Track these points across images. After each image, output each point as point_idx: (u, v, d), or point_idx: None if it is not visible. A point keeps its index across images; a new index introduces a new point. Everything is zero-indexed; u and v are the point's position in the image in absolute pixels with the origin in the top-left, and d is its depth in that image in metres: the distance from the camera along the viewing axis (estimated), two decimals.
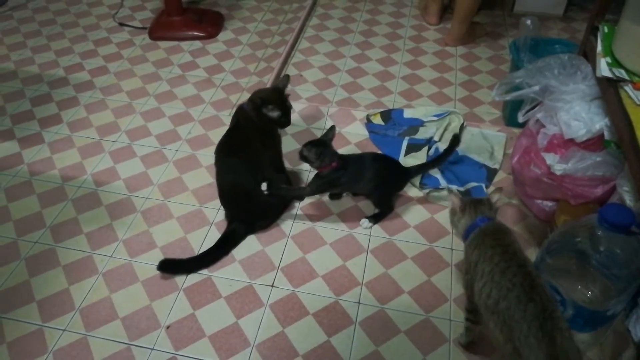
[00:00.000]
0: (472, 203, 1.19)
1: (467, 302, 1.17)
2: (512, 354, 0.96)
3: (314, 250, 1.48)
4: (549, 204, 1.46)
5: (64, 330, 1.29)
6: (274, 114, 1.45)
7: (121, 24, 2.48)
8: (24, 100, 2.01)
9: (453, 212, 1.22)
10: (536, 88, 1.31)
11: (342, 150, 1.79)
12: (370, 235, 1.52)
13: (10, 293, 1.36)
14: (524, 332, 0.94)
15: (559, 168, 1.30)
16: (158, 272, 1.41)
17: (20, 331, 1.29)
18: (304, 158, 1.44)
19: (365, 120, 1.89)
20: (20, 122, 1.90)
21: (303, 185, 1.67)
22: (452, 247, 1.49)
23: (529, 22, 1.71)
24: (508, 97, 1.36)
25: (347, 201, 1.62)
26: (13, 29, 2.43)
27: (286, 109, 1.46)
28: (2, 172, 1.70)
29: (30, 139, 1.83)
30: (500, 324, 0.99)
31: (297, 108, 1.96)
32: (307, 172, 1.71)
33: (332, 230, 1.53)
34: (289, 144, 1.81)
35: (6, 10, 2.57)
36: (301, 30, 2.44)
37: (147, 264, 1.43)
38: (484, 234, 1.13)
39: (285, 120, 1.47)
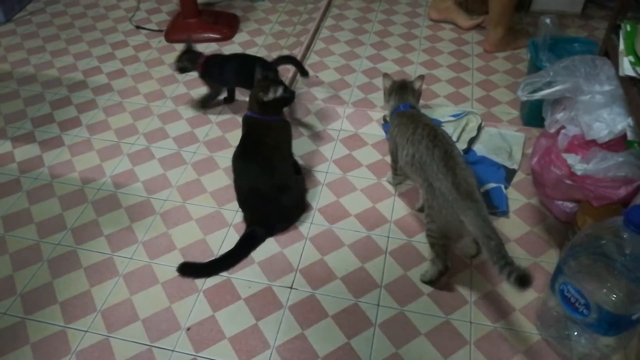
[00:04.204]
0: (399, 88, 1.55)
1: (391, 161, 1.59)
2: (428, 187, 1.29)
3: (332, 252, 1.48)
4: (570, 205, 1.44)
5: (86, 331, 1.31)
6: (278, 93, 1.49)
7: (137, 27, 2.50)
8: (43, 103, 2.03)
9: (386, 93, 1.59)
10: (567, 85, 1.30)
11: (358, 152, 1.80)
12: (388, 237, 1.52)
13: (33, 294, 1.39)
14: (434, 171, 1.27)
15: (580, 168, 1.28)
16: (177, 274, 1.42)
17: (43, 332, 1.30)
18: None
19: (382, 121, 1.89)
20: (40, 125, 1.93)
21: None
22: None
23: (548, 20, 1.70)
24: (536, 97, 1.35)
25: (365, 202, 1.62)
26: (32, 33, 2.47)
27: (283, 84, 1.53)
28: (24, 175, 1.73)
29: (51, 142, 1.86)
30: (417, 171, 1.34)
31: (313, 109, 1.96)
32: (325, 173, 1.71)
33: (350, 232, 1.53)
34: (306, 145, 1.81)
35: (25, 15, 2.61)
36: (316, 31, 2.44)
37: (167, 266, 1.44)
38: (402, 115, 1.49)
39: (290, 94, 1.54)
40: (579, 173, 1.29)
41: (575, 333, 1.19)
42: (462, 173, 1.25)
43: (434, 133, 1.35)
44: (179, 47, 2.32)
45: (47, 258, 1.47)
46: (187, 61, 1.88)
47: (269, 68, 1.82)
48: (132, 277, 1.43)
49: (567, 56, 1.38)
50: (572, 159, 1.31)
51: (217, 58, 1.93)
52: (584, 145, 1.31)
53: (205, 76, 1.90)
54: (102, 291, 1.39)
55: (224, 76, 1.88)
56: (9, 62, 2.26)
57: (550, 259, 1.45)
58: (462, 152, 1.50)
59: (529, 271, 1.06)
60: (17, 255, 1.48)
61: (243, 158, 1.47)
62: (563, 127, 1.37)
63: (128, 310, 1.35)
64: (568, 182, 1.32)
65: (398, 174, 1.61)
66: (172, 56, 2.28)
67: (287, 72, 2.13)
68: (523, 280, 1.05)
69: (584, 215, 1.36)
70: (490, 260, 1.13)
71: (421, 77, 1.57)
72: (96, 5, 2.70)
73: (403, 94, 1.54)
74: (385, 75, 1.60)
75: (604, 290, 1.06)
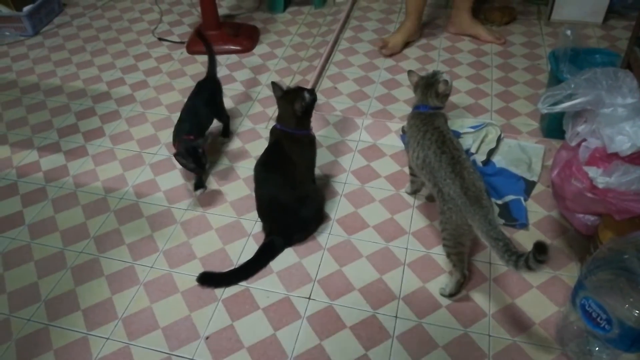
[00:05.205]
0: (423, 87, 1.52)
1: (409, 161, 1.53)
2: (438, 193, 1.32)
3: (350, 263, 1.48)
4: (591, 218, 1.42)
5: (107, 338, 1.33)
6: (307, 98, 1.50)
7: (160, 39, 2.55)
8: (69, 114, 2.08)
9: (413, 87, 1.57)
10: (589, 98, 1.29)
11: (376, 163, 1.80)
12: (407, 248, 1.52)
13: (57, 301, 1.42)
14: (442, 176, 1.30)
15: (602, 181, 1.26)
16: (197, 283, 1.44)
17: (66, 339, 1.33)
18: None
19: (401, 132, 1.89)
20: (66, 135, 1.98)
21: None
22: (490, 261, 1.47)
23: (569, 32, 1.69)
24: (557, 109, 1.34)
25: (383, 213, 1.62)
26: (59, 45, 2.54)
27: (301, 88, 1.54)
28: (49, 184, 1.77)
29: (75, 151, 1.90)
30: (427, 175, 1.37)
31: (332, 120, 1.97)
32: (343, 184, 1.72)
33: (368, 243, 1.53)
34: (325, 156, 1.83)
35: (52, 28, 2.68)
36: (335, 43, 2.46)
37: (187, 275, 1.46)
38: (417, 116, 1.49)
39: (314, 94, 1.54)
40: (600, 186, 1.27)
41: (597, 349, 1.17)
42: (469, 177, 1.28)
43: (442, 139, 1.37)
44: (201, 58, 2.38)
45: (70, 266, 1.51)
46: (202, 155, 1.60)
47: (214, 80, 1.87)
48: (152, 285, 1.45)
49: (589, 68, 1.37)
50: (593, 172, 1.29)
51: (187, 115, 1.73)
52: (606, 158, 1.29)
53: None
54: (123, 299, 1.42)
55: (202, 117, 1.76)
56: (37, 74, 2.33)
57: (570, 272, 1.43)
58: (474, 160, 1.68)
59: (540, 241, 1.06)
60: (42, 263, 1.52)
61: (266, 168, 1.49)
62: (584, 140, 1.36)
63: (148, 318, 1.37)
64: (589, 195, 1.30)
65: (413, 180, 1.62)
66: (193, 67, 2.32)
67: (305, 83, 2.15)
68: (540, 249, 1.05)
69: (605, 229, 1.34)
70: (502, 260, 1.14)
71: (445, 83, 1.50)
72: (120, 18, 2.76)
73: (425, 94, 1.52)
74: (410, 72, 1.58)
75: (627, 305, 1.04)
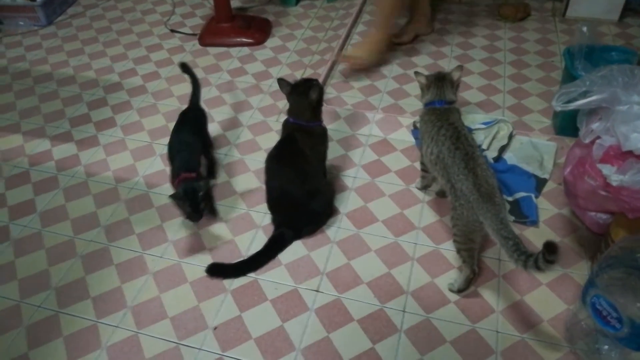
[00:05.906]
0: (436, 81, 1.49)
1: (420, 157, 1.55)
2: (451, 189, 1.30)
3: (358, 256, 1.48)
4: (604, 216, 1.41)
5: (116, 327, 1.34)
6: (318, 86, 1.52)
7: (172, 31, 2.56)
8: (81, 104, 2.10)
9: (423, 89, 1.53)
10: (604, 95, 1.27)
11: (387, 158, 1.80)
12: (416, 243, 1.51)
13: (67, 289, 1.43)
14: (455, 172, 1.29)
15: (616, 179, 1.25)
16: (206, 274, 1.44)
17: (76, 326, 1.34)
18: None
19: (412, 127, 1.88)
20: (78, 125, 1.99)
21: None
22: (500, 258, 1.46)
23: (585, 29, 1.66)
24: (572, 107, 1.33)
25: (392, 208, 1.62)
26: (72, 36, 2.55)
27: (308, 80, 1.56)
28: (61, 173, 1.78)
29: (87, 141, 1.92)
30: (440, 171, 1.35)
31: (343, 114, 1.97)
32: (353, 178, 1.72)
33: (377, 237, 1.53)
34: (335, 149, 1.82)
35: (66, 18, 2.70)
36: (347, 36, 2.45)
37: (196, 266, 1.47)
38: (432, 112, 1.46)
39: (319, 83, 1.55)
40: (614, 184, 1.26)
41: (606, 347, 1.17)
42: (483, 174, 1.27)
43: (457, 135, 1.35)
44: (213, 50, 2.38)
45: (80, 254, 1.52)
46: (201, 201, 1.46)
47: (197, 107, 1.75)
48: (161, 275, 1.46)
49: (604, 65, 1.35)
50: (607, 170, 1.28)
51: (179, 149, 1.60)
52: (620, 156, 1.28)
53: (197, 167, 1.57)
54: (132, 288, 1.43)
55: (195, 148, 1.62)
56: (50, 64, 2.34)
57: (581, 270, 1.42)
58: (485, 156, 1.64)
59: (551, 241, 1.05)
60: (53, 250, 1.53)
61: (277, 160, 1.49)
62: (598, 137, 1.35)
63: (157, 307, 1.38)
64: (602, 193, 1.29)
65: (424, 175, 1.61)
66: (205, 60, 2.32)
67: (317, 77, 2.15)
68: (550, 249, 1.04)
69: (617, 227, 1.33)
70: (512, 259, 1.14)
71: (459, 68, 1.50)
72: (133, 9, 2.77)
73: (441, 88, 1.48)
74: (417, 73, 1.53)
75: (638, 304, 1.04)
